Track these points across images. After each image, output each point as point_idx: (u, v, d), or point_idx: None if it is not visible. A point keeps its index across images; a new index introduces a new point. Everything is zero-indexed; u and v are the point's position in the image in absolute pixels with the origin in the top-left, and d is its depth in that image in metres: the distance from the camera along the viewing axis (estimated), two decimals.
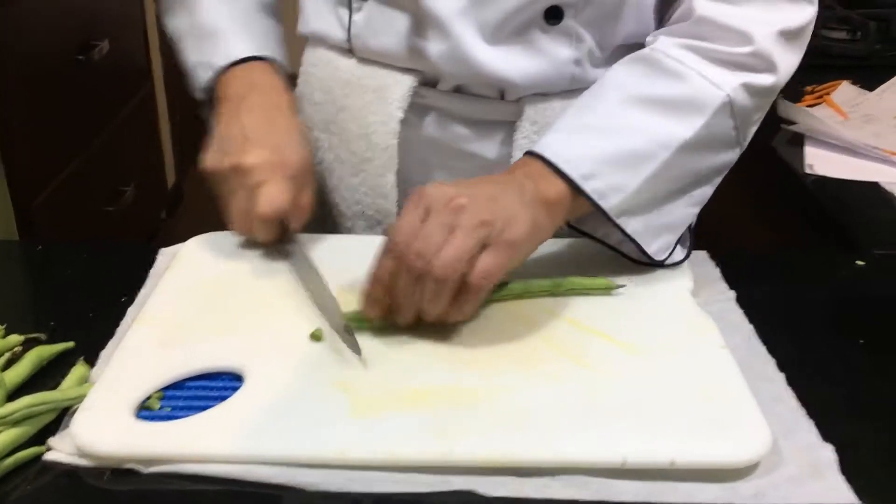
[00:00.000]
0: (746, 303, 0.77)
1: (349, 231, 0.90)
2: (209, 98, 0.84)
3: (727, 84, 0.75)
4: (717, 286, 0.80)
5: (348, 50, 0.87)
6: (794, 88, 1.37)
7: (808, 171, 1.11)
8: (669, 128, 0.74)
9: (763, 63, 0.76)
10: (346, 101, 0.87)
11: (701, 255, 0.85)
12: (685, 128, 0.75)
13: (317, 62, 0.90)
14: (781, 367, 0.69)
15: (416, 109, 0.85)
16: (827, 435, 0.61)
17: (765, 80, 0.76)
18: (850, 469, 0.58)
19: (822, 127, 1.17)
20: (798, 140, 1.19)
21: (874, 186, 1.07)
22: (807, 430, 0.62)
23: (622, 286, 0.75)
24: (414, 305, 0.66)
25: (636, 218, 0.75)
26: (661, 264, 0.78)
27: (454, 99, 0.85)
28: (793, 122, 1.22)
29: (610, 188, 0.73)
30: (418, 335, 0.69)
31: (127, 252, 0.88)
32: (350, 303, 0.70)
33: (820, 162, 1.13)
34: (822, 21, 1.61)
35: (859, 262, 0.86)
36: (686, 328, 0.71)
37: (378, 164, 0.86)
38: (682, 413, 0.61)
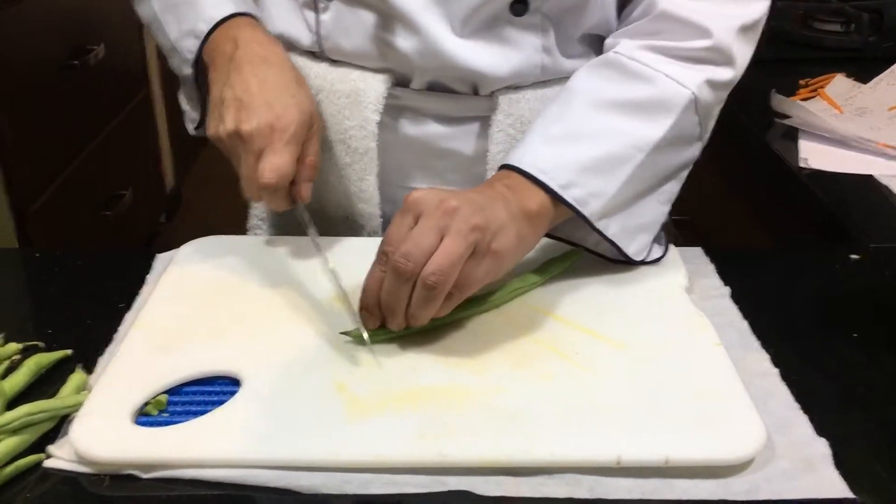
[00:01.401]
0: (741, 298, 0.77)
1: (336, 235, 0.89)
2: (196, 71, 0.83)
3: (691, 82, 0.77)
4: (711, 282, 0.80)
5: (318, 53, 0.86)
6: (788, 82, 1.37)
7: (802, 164, 1.11)
8: (641, 129, 0.76)
9: (722, 57, 0.78)
10: (321, 107, 0.86)
11: (695, 251, 0.85)
12: (656, 128, 0.76)
13: None
14: (775, 362, 0.69)
15: (391, 111, 0.85)
16: (821, 429, 0.62)
17: (725, 73, 0.78)
18: (844, 463, 0.59)
19: (817, 121, 1.18)
20: (792, 134, 1.19)
21: (869, 180, 1.07)
22: (801, 424, 0.63)
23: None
24: (402, 309, 0.66)
25: (614, 220, 0.77)
26: (639, 264, 0.80)
27: (428, 97, 0.85)
28: (787, 116, 1.22)
29: (589, 195, 0.74)
30: (412, 337, 0.69)
31: (124, 258, 0.89)
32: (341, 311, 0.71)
33: (814, 156, 1.13)
34: (815, 13, 1.62)
35: (854, 256, 0.86)
36: (680, 325, 0.72)
37: (357, 168, 0.86)
38: (676, 410, 0.61)
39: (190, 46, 0.82)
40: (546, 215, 0.73)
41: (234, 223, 0.98)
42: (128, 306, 0.75)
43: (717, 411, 0.61)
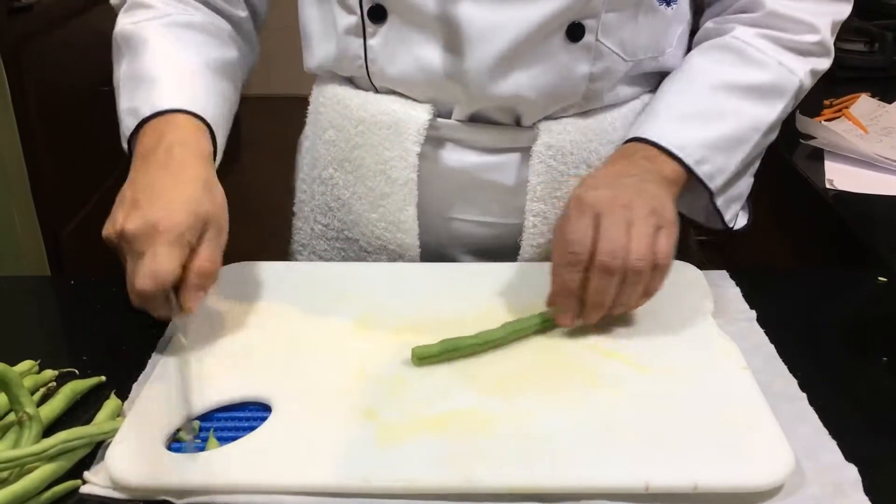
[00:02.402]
0: (767, 322, 0.77)
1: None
2: (130, 149, 0.81)
3: (800, 70, 0.84)
4: (737, 306, 0.80)
5: (359, 82, 0.87)
6: (813, 102, 1.37)
7: (828, 186, 1.10)
8: (759, 111, 0.84)
9: (824, 50, 0.86)
10: (361, 138, 0.87)
11: (720, 275, 0.85)
12: (771, 111, 0.84)
13: (326, 101, 0.90)
14: (803, 386, 0.69)
15: (431, 142, 0.85)
16: (850, 455, 0.61)
17: (824, 64, 0.87)
18: (874, 489, 0.59)
19: (842, 141, 1.17)
20: (818, 155, 1.19)
21: None
22: (830, 450, 0.62)
23: None
24: (610, 302, 0.71)
25: (722, 193, 0.85)
26: (730, 230, 0.89)
27: (469, 129, 0.85)
28: (812, 137, 1.22)
29: (717, 170, 0.82)
30: (439, 363, 0.70)
31: None
32: (366, 336, 0.72)
33: (840, 177, 1.12)
34: (839, 32, 1.61)
35: (881, 279, 0.86)
36: (707, 350, 0.72)
37: (397, 198, 0.86)
38: (704, 436, 0.61)
39: (129, 124, 0.80)
40: (680, 183, 0.80)
41: (258, 239, 0.99)
42: (160, 332, 0.77)
43: (745, 437, 0.61)
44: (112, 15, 0.90)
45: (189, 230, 0.69)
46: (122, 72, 0.84)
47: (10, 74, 1.66)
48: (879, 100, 1.37)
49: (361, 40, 0.84)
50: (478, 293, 0.80)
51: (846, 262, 1.03)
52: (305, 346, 0.72)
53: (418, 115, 0.84)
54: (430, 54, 0.81)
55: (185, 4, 0.87)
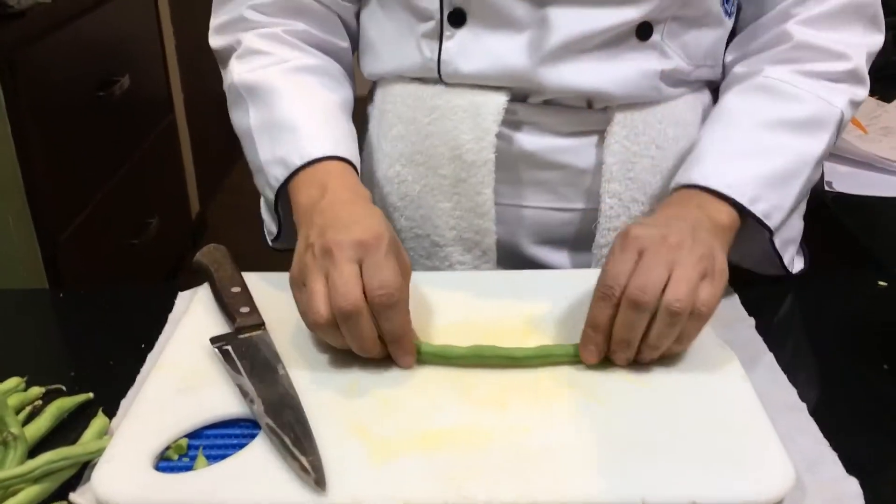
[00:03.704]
0: (766, 329, 0.76)
1: (446, 258, 0.90)
2: (276, 196, 0.83)
3: (838, 101, 0.83)
4: (735, 313, 0.79)
5: (432, 78, 0.87)
6: None
7: (827, 188, 1.09)
8: (805, 144, 0.81)
9: (857, 79, 0.84)
10: (433, 126, 0.86)
11: None
12: (818, 143, 0.82)
13: (393, 98, 0.90)
14: (803, 395, 0.68)
15: (507, 124, 0.86)
16: (851, 466, 0.60)
17: (861, 93, 0.85)
18: (876, 501, 0.58)
19: (841, 142, 1.16)
20: None
21: None
22: (831, 462, 0.61)
23: None
24: (637, 341, 0.68)
25: (778, 234, 0.81)
26: (790, 275, 0.86)
27: (543, 112, 0.86)
28: None
29: (773, 207, 0.78)
30: (432, 377, 0.69)
31: (147, 295, 0.89)
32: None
33: (839, 178, 1.11)
34: None
35: (882, 283, 0.85)
36: (705, 359, 0.70)
37: (474, 181, 0.86)
38: (702, 449, 0.60)
39: (277, 175, 0.80)
40: (734, 228, 0.77)
41: (259, 248, 0.99)
42: (150, 346, 0.76)
43: (744, 450, 0.60)
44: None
45: (395, 244, 0.69)
46: (252, 120, 0.84)
47: (4, 81, 1.65)
48: (879, 99, 1.36)
49: (437, 43, 0.85)
50: (472, 304, 0.79)
51: (846, 266, 1.02)
52: (296, 362, 0.71)
53: (496, 97, 0.84)
54: (507, 53, 0.83)
55: (299, 49, 0.88)
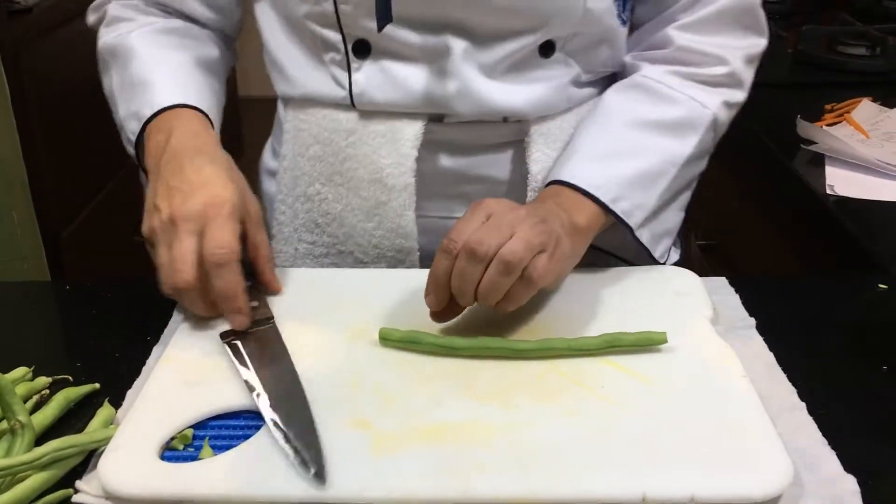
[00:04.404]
0: (767, 330, 0.77)
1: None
2: (138, 153, 0.84)
3: (712, 103, 0.86)
4: (736, 313, 0.80)
5: (348, 105, 0.86)
6: (814, 106, 1.36)
7: (829, 192, 1.10)
8: (674, 146, 0.84)
9: (735, 81, 0.88)
10: (352, 149, 0.86)
11: (720, 282, 0.85)
12: (685, 145, 0.85)
13: (308, 118, 0.88)
14: (802, 395, 0.68)
15: (425, 145, 0.86)
16: (850, 465, 0.61)
17: (738, 96, 0.88)
18: (874, 500, 0.58)
19: (843, 146, 1.17)
20: (818, 160, 1.19)
21: None
22: (829, 460, 0.62)
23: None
24: (473, 290, 0.69)
25: (647, 228, 0.84)
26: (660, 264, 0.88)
27: (460, 130, 0.87)
28: (813, 142, 1.22)
29: (634, 207, 0.81)
30: (436, 370, 0.69)
31: (152, 290, 0.89)
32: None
33: (841, 182, 1.12)
34: (840, 37, 1.61)
35: (882, 286, 0.85)
36: (706, 358, 0.71)
37: (395, 205, 0.86)
38: (701, 446, 0.61)
39: (133, 128, 0.82)
40: (593, 229, 0.80)
41: None
42: (156, 339, 0.76)
43: (743, 447, 0.61)
44: None
45: (239, 207, 0.73)
46: (114, 82, 0.87)
47: (9, 77, 1.66)
48: (881, 104, 1.36)
49: (346, 73, 0.84)
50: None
51: (847, 269, 1.03)
52: (300, 354, 0.72)
53: (414, 122, 0.85)
54: (417, 83, 0.83)
55: (160, 15, 0.90)
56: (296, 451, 0.59)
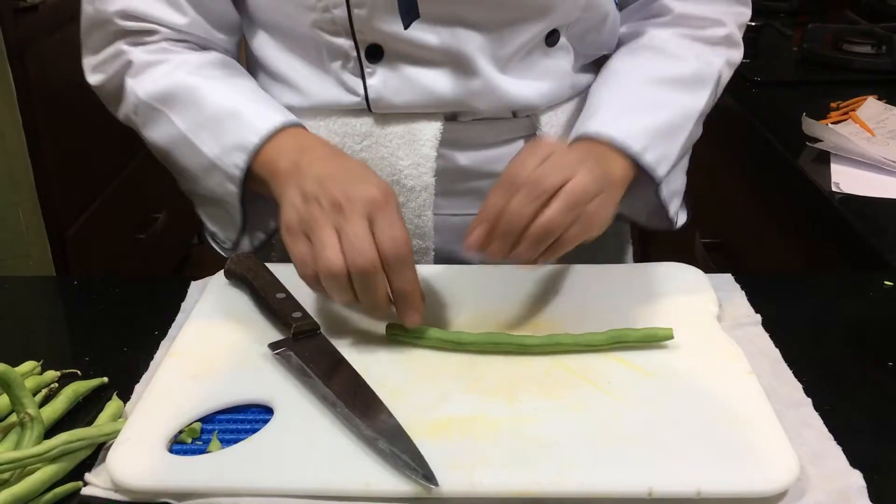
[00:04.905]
0: (772, 326, 0.77)
1: None
2: (242, 189, 0.79)
3: (716, 61, 0.90)
4: (742, 309, 0.80)
5: (363, 109, 0.85)
6: (819, 104, 1.36)
7: (834, 189, 1.10)
8: (689, 101, 0.87)
9: (733, 42, 0.92)
10: (367, 153, 0.85)
11: (725, 278, 0.85)
12: (699, 99, 0.88)
13: (317, 124, 0.86)
14: (808, 391, 0.68)
15: (442, 144, 0.86)
16: (855, 461, 0.61)
17: (737, 56, 0.92)
18: (880, 496, 0.58)
19: (848, 144, 1.17)
20: (824, 158, 1.19)
21: None
22: (835, 455, 0.62)
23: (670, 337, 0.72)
24: (521, 229, 0.68)
25: (664, 184, 0.85)
26: (672, 227, 0.91)
27: (474, 127, 0.87)
28: (818, 140, 1.22)
29: (661, 157, 0.83)
30: (442, 365, 0.70)
31: (160, 285, 0.90)
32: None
33: (846, 180, 1.12)
34: (845, 35, 1.61)
35: (888, 283, 0.85)
36: (711, 354, 0.71)
37: (413, 205, 0.86)
38: (707, 441, 0.61)
39: (237, 161, 0.77)
40: (625, 181, 0.81)
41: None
42: (163, 334, 0.77)
43: (749, 442, 0.61)
44: None
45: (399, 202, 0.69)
46: (182, 127, 0.80)
47: (15, 74, 1.66)
48: (886, 102, 1.36)
49: (359, 79, 0.83)
50: (482, 296, 0.79)
51: (852, 266, 1.03)
52: None
53: (432, 122, 0.85)
54: (433, 83, 0.83)
55: (193, 51, 0.84)
56: (409, 467, 0.57)
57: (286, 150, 0.75)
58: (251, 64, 0.91)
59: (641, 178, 0.82)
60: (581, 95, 0.92)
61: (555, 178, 0.68)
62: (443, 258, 0.90)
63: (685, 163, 0.93)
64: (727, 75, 0.92)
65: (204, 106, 0.79)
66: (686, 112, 0.86)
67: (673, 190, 0.89)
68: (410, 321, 0.69)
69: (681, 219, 0.93)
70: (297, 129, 0.79)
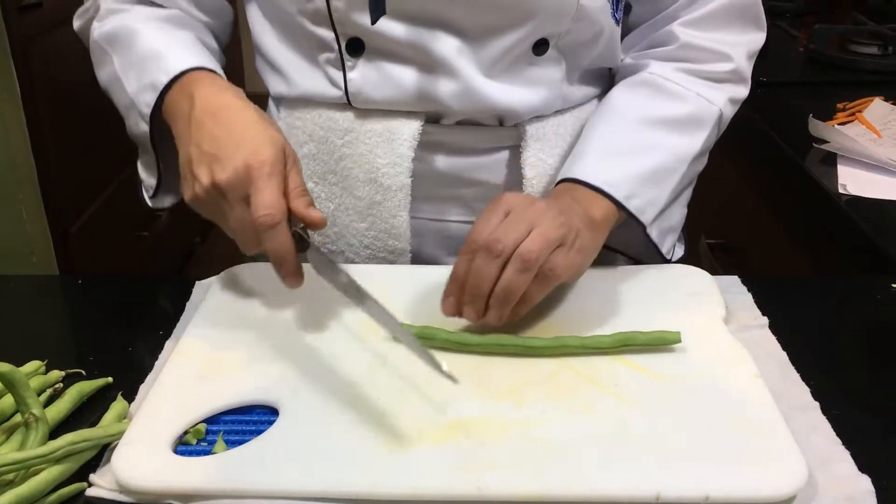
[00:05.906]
0: (780, 329, 0.77)
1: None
2: (152, 130, 0.81)
3: (718, 100, 0.87)
4: (749, 312, 0.79)
5: (345, 104, 0.85)
6: (826, 105, 1.36)
7: (841, 191, 1.09)
8: (683, 143, 0.85)
9: (739, 78, 0.89)
10: (347, 148, 0.85)
11: (732, 281, 0.85)
12: (694, 141, 0.86)
13: (303, 117, 0.87)
14: (816, 395, 0.68)
15: (421, 146, 0.85)
16: (864, 465, 0.61)
17: (742, 92, 0.90)
18: (889, 500, 0.58)
19: (855, 146, 1.16)
20: (831, 159, 1.18)
21: None
22: (843, 460, 0.62)
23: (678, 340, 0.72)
24: (487, 291, 0.69)
25: (654, 225, 0.85)
26: (667, 261, 0.89)
27: (457, 131, 0.86)
28: (825, 141, 1.21)
29: (647, 203, 0.82)
30: (449, 367, 0.69)
31: (164, 284, 0.90)
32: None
33: (853, 182, 1.11)
34: (852, 36, 1.60)
35: (895, 286, 0.85)
36: (718, 357, 0.71)
37: (389, 205, 0.86)
38: (716, 445, 0.61)
39: (147, 100, 0.79)
40: (609, 224, 0.80)
41: None
42: (168, 333, 0.76)
43: (757, 446, 0.61)
44: None
45: (279, 161, 0.70)
46: (117, 66, 0.83)
47: (19, 72, 1.66)
48: (893, 103, 1.36)
49: (341, 73, 0.83)
50: None
51: (859, 268, 1.03)
52: (313, 350, 0.72)
53: (411, 122, 0.84)
54: (411, 79, 0.82)
55: (157, 6, 0.87)
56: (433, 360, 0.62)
57: (183, 93, 0.77)
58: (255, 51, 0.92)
59: (629, 218, 0.82)
60: (574, 109, 0.90)
61: (507, 239, 0.68)
62: (422, 262, 0.90)
63: (686, 197, 0.91)
64: (730, 113, 0.89)
65: (136, 47, 0.82)
66: (680, 155, 0.84)
67: (667, 227, 0.88)
68: (289, 284, 0.71)
69: (676, 253, 0.92)
70: (201, 74, 0.78)
